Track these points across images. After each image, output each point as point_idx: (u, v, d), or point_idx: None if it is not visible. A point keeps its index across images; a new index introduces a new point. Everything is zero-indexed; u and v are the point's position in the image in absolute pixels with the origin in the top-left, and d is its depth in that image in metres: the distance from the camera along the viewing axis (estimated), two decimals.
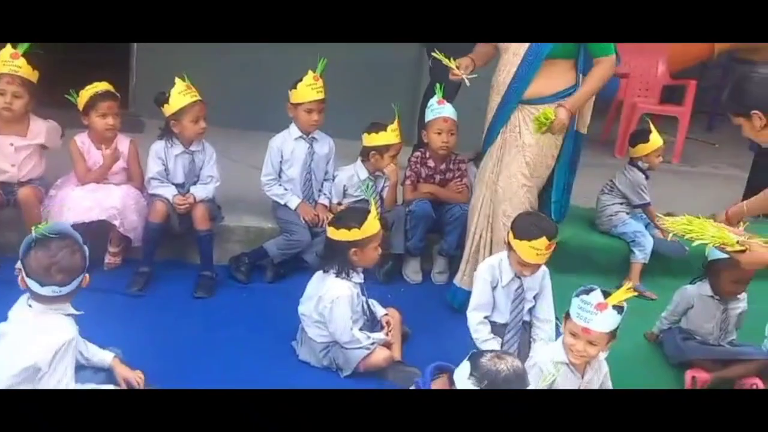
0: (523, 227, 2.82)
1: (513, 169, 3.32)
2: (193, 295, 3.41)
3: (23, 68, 3.34)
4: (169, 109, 3.45)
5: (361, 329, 2.98)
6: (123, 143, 3.57)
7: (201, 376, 2.79)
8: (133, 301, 3.30)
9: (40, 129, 3.47)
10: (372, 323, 3.09)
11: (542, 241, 2.73)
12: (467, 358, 2.05)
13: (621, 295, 2.38)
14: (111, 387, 2.43)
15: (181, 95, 3.42)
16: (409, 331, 3.22)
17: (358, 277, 3.00)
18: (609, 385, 2.65)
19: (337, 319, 2.89)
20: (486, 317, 2.93)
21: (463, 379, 1.98)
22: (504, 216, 3.32)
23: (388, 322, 3.08)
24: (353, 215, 2.96)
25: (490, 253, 3.37)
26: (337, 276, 2.94)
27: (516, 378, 1.96)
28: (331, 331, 2.92)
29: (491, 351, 2.13)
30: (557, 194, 3.51)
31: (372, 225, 2.89)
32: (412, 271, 3.88)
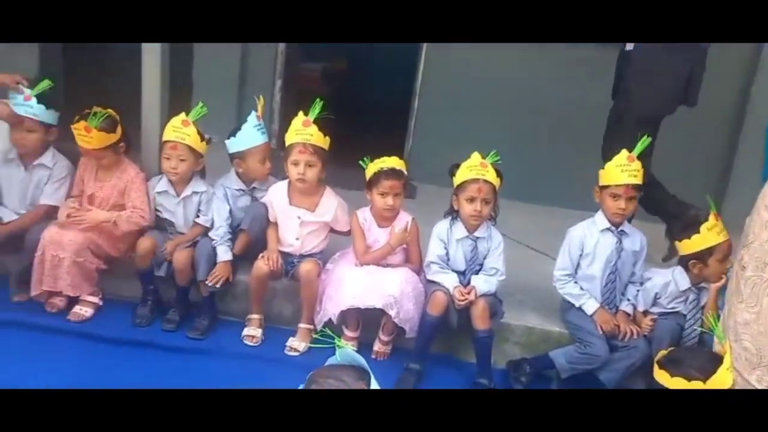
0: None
1: None
2: None
3: (315, 136, 3.20)
4: (455, 181, 3.14)
5: None
6: (402, 219, 3.27)
7: None
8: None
9: (330, 207, 3.30)
10: None
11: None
12: None
13: None
14: None
15: (468, 170, 3.09)
16: None
17: None
18: None
19: None
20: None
21: None
22: None
23: None
24: (697, 361, 2.06)
25: None
26: None
27: None
28: None
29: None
30: None
31: (724, 377, 1.99)
32: None
